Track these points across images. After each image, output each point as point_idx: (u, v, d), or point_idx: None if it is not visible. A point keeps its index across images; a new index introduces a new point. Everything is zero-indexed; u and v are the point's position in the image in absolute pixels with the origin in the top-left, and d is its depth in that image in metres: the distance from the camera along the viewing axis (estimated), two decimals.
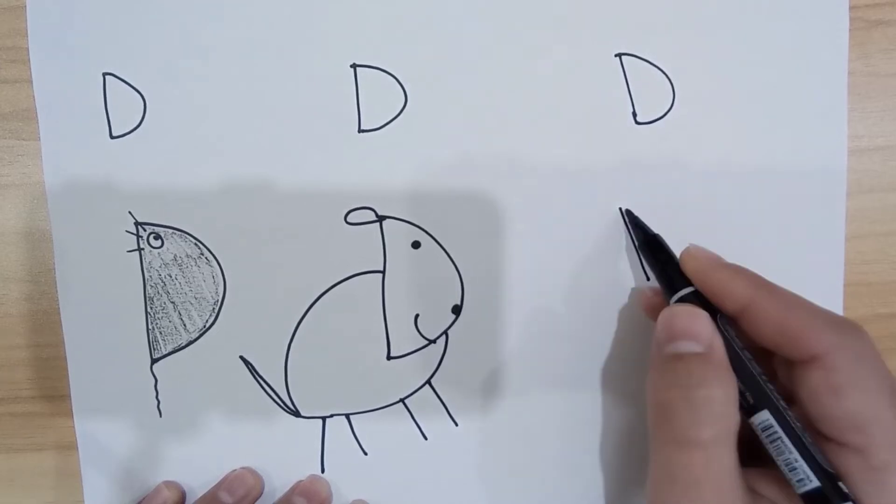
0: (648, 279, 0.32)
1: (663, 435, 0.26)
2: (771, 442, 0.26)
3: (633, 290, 0.33)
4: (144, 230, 0.32)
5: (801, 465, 0.25)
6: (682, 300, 0.29)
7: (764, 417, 0.26)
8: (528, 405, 0.33)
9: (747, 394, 0.26)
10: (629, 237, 0.32)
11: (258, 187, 0.32)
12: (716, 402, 0.25)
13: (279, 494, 0.33)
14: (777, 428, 0.25)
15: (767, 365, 0.28)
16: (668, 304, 0.30)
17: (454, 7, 0.32)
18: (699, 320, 0.27)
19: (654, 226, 0.32)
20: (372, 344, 0.33)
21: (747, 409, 0.26)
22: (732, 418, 0.25)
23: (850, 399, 0.25)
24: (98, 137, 0.32)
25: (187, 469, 0.33)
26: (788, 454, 0.25)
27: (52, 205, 0.32)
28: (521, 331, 0.33)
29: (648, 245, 0.31)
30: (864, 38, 0.32)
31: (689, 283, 0.29)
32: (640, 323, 0.33)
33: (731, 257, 0.32)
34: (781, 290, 0.27)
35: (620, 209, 0.32)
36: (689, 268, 0.29)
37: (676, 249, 0.30)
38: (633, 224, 0.32)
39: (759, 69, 0.32)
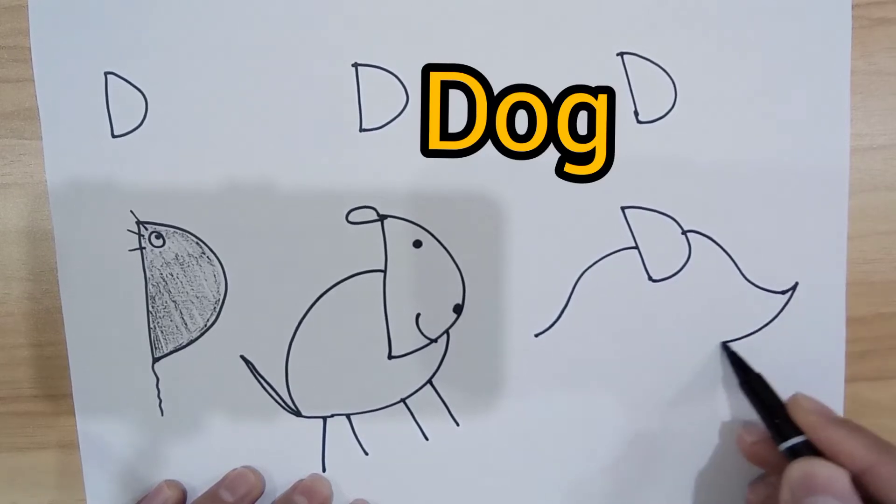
0: (650, 278, 0.32)
1: None
2: None
3: (735, 431, 0.33)
4: (146, 229, 0.32)
5: None
6: (794, 449, 0.29)
7: None
8: (528, 405, 0.33)
9: None
10: (631, 235, 0.32)
11: (259, 186, 0.32)
12: None
13: (280, 493, 0.33)
14: None
15: None
16: (775, 445, 0.30)
17: (455, 6, 0.32)
18: (841, 477, 0.27)
19: (656, 225, 0.32)
20: (373, 343, 0.33)
21: None
22: None
23: None
24: (100, 136, 0.32)
25: (188, 468, 0.33)
26: None
27: (54, 204, 0.32)
28: (523, 330, 0.33)
29: (751, 385, 0.31)
30: (866, 36, 0.32)
31: (799, 431, 0.29)
32: (641, 323, 0.33)
33: (732, 255, 0.32)
34: None
35: (722, 344, 0.32)
36: (799, 419, 0.29)
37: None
38: (734, 362, 0.32)
39: (762, 68, 0.32)
